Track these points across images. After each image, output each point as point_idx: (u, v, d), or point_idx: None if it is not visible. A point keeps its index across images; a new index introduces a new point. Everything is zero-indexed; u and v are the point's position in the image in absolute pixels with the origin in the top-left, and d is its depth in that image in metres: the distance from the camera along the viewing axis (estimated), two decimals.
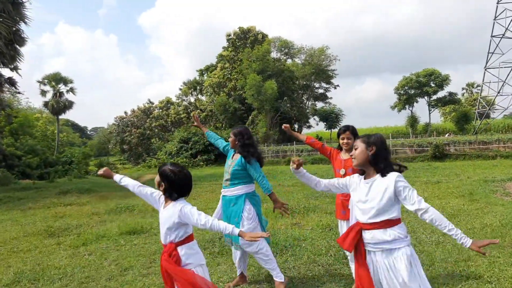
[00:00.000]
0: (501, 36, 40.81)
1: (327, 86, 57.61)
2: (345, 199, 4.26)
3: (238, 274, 4.86)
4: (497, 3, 41.08)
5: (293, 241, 6.51)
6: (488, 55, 41.84)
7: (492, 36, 41.63)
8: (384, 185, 2.67)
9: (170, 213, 2.95)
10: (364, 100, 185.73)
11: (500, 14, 41.37)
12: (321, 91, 58.30)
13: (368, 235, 2.72)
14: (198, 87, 62.30)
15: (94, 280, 5.33)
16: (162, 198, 3.15)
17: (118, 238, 7.59)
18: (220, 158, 35.95)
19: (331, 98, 58.65)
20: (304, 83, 55.02)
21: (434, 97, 52.70)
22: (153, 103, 62.55)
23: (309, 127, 57.14)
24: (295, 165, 2.98)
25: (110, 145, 65.40)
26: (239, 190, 4.52)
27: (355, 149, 2.80)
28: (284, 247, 6.18)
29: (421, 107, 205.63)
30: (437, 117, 68.40)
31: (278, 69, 50.49)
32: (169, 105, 61.13)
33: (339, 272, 5.04)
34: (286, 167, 26.70)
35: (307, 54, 54.63)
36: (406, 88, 52.59)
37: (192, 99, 62.57)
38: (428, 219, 2.58)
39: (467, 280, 4.39)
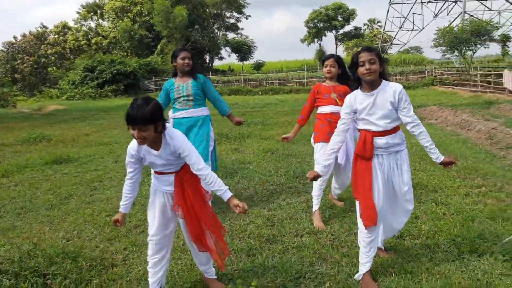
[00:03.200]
0: None
1: (239, 16, 56.24)
2: (334, 122, 4.06)
3: None
4: None
5: (239, 165, 6.49)
6: None
7: None
8: (388, 94, 2.77)
9: (168, 151, 2.51)
10: (274, 32, 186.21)
11: None
12: (232, 21, 56.87)
13: (382, 141, 2.81)
14: (98, 11, 56.91)
15: (31, 210, 4.84)
16: (140, 149, 2.56)
17: (44, 168, 6.93)
18: (130, 88, 34.03)
19: (242, 29, 57.67)
20: (215, 11, 53.04)
21: (341, 31, 54.51)
22: (47, 28, 56.06)
23: (221, 58, 56.05)
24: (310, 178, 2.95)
25: None
26: (204, 110, 4.44)
27: (372, 63, 2.72)
28: (233, 170, 6.15)
29: (329, 41, 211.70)
30: (341, 52, 71.02)
31: None
32: (66, 30, 55.29)
33: (295, 190, 5.16)
34: None
35: None
36: (315, 21, 53.44)
37: (93, 25, 57.30)
38: (417, 132, 2.79)
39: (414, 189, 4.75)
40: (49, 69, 52.52)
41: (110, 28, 53.16)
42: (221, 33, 55.77)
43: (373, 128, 2.80)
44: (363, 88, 2.85)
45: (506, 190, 4.68)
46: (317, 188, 4.12)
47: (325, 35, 55.07)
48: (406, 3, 42.93)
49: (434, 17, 44.35)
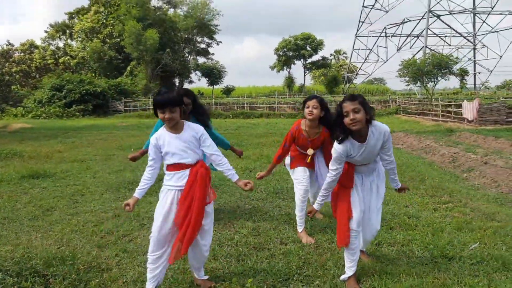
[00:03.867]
0: (371, 6, 44.86)
1: (210, 41, 57.02)
2: (304, 154, 4.19)
3: None
4: None
5: (219, 181, 6.66)
6: (359, 24, 45.92)
7: (363, 6, 45.59)
8: (377, 139, 2.91)
9: (189, 133, 2.86)
10: (244, 59, 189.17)
11: None
12: (203, 46, 57.55)
13: (363, 168, 3.12)
14: (67, 31, 56.35)
15: (15, 220, 4.84)
16: (162, 136, 2.87)
17: (21, 182, 6.87)
18: (98, 109, 33.59)
19: (213, 54, 58.39)
20: (186, 36, 53.61)
21: (309, 60, 56.14)
22: (13, 45, 54.87)
23: (191, 82, 56.36)
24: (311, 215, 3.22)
25: None
26: None
27: (356, 112, 2.72)
28: (213, 186, 6.27)
29: (297, 69, 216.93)
30: (309, 80, 72.86)
31: (159, 18, 48.17)
32: (32, 48, 54.34)
33: (276, 204, 5.39)
34: None
35: (189, 6, 52.97)
36: (285, 49, 54.89)
37: (61, 44, 56.57)
38: (388, 167, 3.17)
39: (387, 205, 5.09)
40: (12, 87, 51.06)
41: (78, 48, 52.66)
42: (191, 57, 56.25)
43: (358, 163, 3.06)
44: (354, 136, 2.89)
45: (470, 205, 5.09)
46: (299, 208, 4.19)
47: (294, 63, 56.57)
48: (371, 36, 45.08)
49: (397, 50, 46.72)
